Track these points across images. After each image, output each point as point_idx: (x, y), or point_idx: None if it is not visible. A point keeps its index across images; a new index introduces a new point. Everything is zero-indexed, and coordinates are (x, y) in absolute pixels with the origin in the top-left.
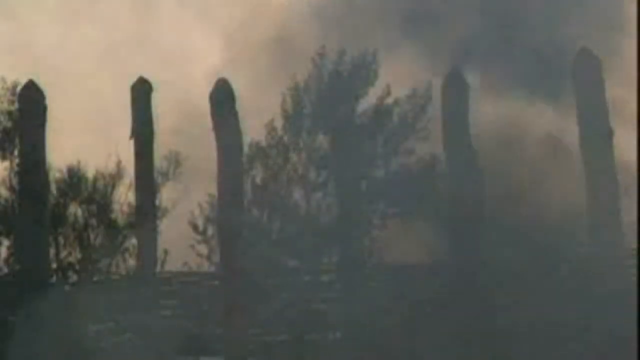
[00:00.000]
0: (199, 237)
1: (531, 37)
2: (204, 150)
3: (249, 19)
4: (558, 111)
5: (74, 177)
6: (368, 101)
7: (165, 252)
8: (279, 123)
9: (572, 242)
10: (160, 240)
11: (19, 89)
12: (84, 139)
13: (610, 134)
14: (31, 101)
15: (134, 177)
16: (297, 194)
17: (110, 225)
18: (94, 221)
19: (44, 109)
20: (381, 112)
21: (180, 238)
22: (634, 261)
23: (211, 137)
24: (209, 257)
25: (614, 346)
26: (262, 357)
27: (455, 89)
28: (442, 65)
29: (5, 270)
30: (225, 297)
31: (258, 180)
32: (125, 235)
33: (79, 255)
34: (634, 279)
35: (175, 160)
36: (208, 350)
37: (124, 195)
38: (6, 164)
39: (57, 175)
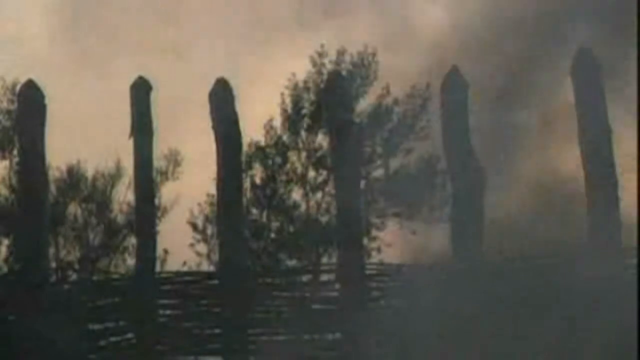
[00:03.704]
0: (198, 237)
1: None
2: (203, 150)
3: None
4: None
5: (74, 176)
6: (367, 100)
7: (165, 251)
8: (278, 122)
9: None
10: (160, 239)
11: (18, 87)
12: (84, 138)
13: (609, 133)
14: (30, 100)
15: (133, 176)
16: (296, 194)
17: (110, 225)
18: (93, 220)
19: (43, 108)
20: (381, 111)
21: (180, 237)
22: (634, 261)
23: (211, 136)
24: (208, 257)
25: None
26: (261, 357)
27: (455, 88)
28: (441, 65)
29: (5, 269)
30: (225, 296)
31: (257, 179)
32: (124, 235)
33: (78, 255)
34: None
35: (175, 160)
36: (208, 350)
37: (123, 195)
38: (5, 163)
39: (57, 174)
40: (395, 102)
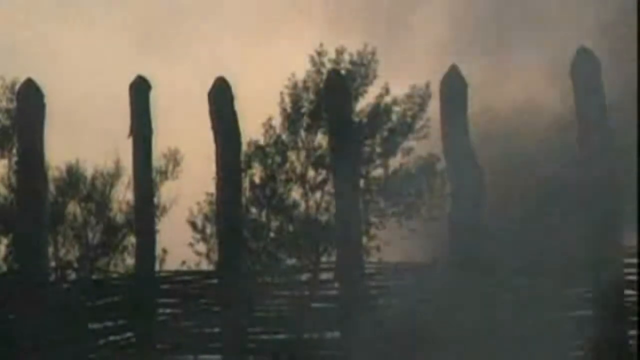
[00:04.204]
0: (197, 236)
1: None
2: (202, 149)
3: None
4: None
5: (73, 175)
6: (367, 100)
7: (164, 250)
8: (277, 122)
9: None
10: (159, 238)
11: (17, 87)
12: (83, 137)
13: (609, 133)
14: (30, 99)
15: (133, 175)
16: (296, 193)
17: (109, 224)
18: (92, 220)
19: (42, 107)
20: (380, 111)
21: (179, 236)
22: (634, 261)
23: (210, 136)
24: (207, 256)
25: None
26: (261, 356)
27: (454, 87)
28: (440, 64)
29: (4, 268)
30: (224, 295)
31: (257, 179)
32: (123, 234)
33: (77, 254)
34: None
35: (174, 159)
36: (207, 349)
37: (123, 194)
38: (4, 162)
39: (56, 173)
40: (395, 101)
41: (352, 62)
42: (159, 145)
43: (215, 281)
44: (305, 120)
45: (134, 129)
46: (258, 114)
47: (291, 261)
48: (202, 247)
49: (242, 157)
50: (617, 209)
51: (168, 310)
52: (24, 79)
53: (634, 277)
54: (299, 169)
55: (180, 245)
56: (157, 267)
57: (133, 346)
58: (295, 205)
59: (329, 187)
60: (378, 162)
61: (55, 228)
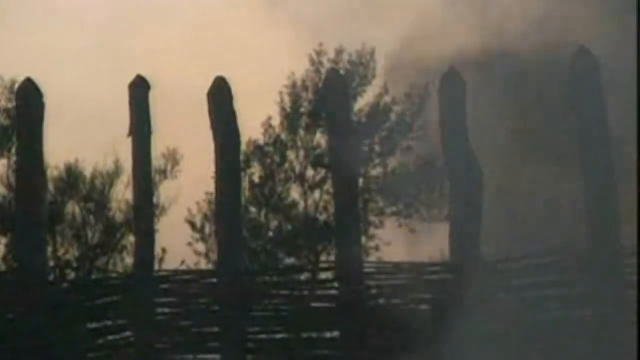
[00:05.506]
0: (197, 235)
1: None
2: (202, 149)
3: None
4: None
5: (72, 175)
6: (366, 99)
7: (164, 250)
8: (276, 121)
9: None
10: (158, 238)
11: (17, 86)
12: (82, 137)
13: (608, 133)
14: (29, 99)
15: (132, 175)
16: (295, 192)
17: (108, 224)
18: (91, 219)
19: (42, 107)
20: (379, 110)
21: (178, 236)
22: (634, 261)
23: (209, 135)
24: (207, 255)
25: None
26: (260, 356)
27: (453, 87)
28: (439, 64)
29: (3, 268)
30: (223, 295)
31: (256, 178)
32: (123, 233)
33: (76, 253)
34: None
35: (173, 159)
36: (206, 348)
37: (122, 194)
38: (4, 162)
39: (55, 173)
40: (394, 101)
41: (351, 62)
42: (159, 145)
43: (214, 281)
44: (305, 120)
45: (133, 129)
46: (257, 114)
47: (290, 261)
48: (201, 246)
49: (242, 157)
50: (617, 209)
51: (167, 310)
52: (23, 78)
53: (634, 277)
54: (298, 169)
55: (179, 244)
56: (156, 267)
57: (132, 346)
58: (294, 204)
59: (328, 187)
60: (377, 161)
61: (55, 228)
